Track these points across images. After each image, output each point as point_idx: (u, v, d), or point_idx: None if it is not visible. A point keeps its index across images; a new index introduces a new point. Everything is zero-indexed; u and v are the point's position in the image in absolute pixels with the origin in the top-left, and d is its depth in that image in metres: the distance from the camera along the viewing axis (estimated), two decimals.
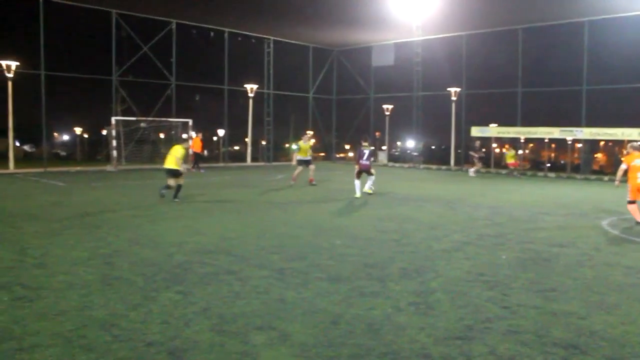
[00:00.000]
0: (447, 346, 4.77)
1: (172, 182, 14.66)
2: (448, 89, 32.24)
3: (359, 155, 16.30)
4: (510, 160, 27.65)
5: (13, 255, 8.12)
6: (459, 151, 33.84)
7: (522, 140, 32.07)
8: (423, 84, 34.02)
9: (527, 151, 56.27)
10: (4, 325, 5.19)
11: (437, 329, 5.19)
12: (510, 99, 30.77)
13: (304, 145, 19.20)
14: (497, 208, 14.28)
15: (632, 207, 11.93)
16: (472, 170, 26.70)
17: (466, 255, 8.54)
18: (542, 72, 32.16)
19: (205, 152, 21.38)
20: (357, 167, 16.35)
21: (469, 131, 31.21)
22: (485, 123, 32.02)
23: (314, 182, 19.44)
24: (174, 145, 15.42)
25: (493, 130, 31.49)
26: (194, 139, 26.88)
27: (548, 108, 35.90)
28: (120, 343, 4.77)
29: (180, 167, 14.67)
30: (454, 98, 31.93)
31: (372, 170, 16.57)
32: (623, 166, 12.06)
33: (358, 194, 15.95)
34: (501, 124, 31.85)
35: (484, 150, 28.62)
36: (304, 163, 19.10)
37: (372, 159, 16.45)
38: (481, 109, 35.55)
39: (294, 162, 19.54)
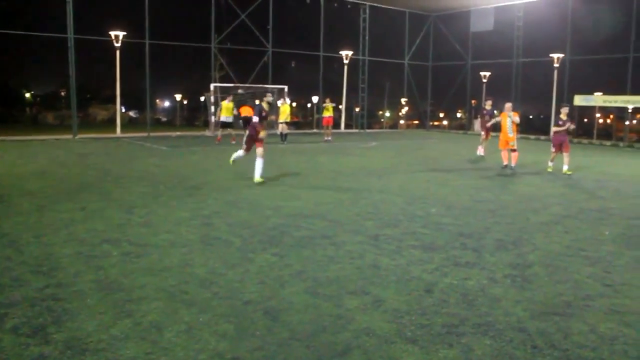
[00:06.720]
0: (544, 321, 4.64)
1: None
2: (550, 55, 30.69)
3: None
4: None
5: (121, 214, 8.63)
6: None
7: (629, 110, 30.09)
8: (523, 49, 32.61)
9: (634, 122, 52.90)
10: (115, 278, 5.56)
11: (534, 303, 5.06)
12: (619, 66, 28.88)
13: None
14: (601, 182, 13.56)
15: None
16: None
17: (566, 229, 8.20)
18: None
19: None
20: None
21: (571, 100, 29.70)
22: (589, 91, 30.28)
23: None
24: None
25: (598, 99, 29.74)
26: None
27: None
28: (219, 300, 4.99)
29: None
30: (556, 65, 30.38)
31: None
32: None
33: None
34: (607, 92, 30.01)
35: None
36: None
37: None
38: (586, 76, 33.66)
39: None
